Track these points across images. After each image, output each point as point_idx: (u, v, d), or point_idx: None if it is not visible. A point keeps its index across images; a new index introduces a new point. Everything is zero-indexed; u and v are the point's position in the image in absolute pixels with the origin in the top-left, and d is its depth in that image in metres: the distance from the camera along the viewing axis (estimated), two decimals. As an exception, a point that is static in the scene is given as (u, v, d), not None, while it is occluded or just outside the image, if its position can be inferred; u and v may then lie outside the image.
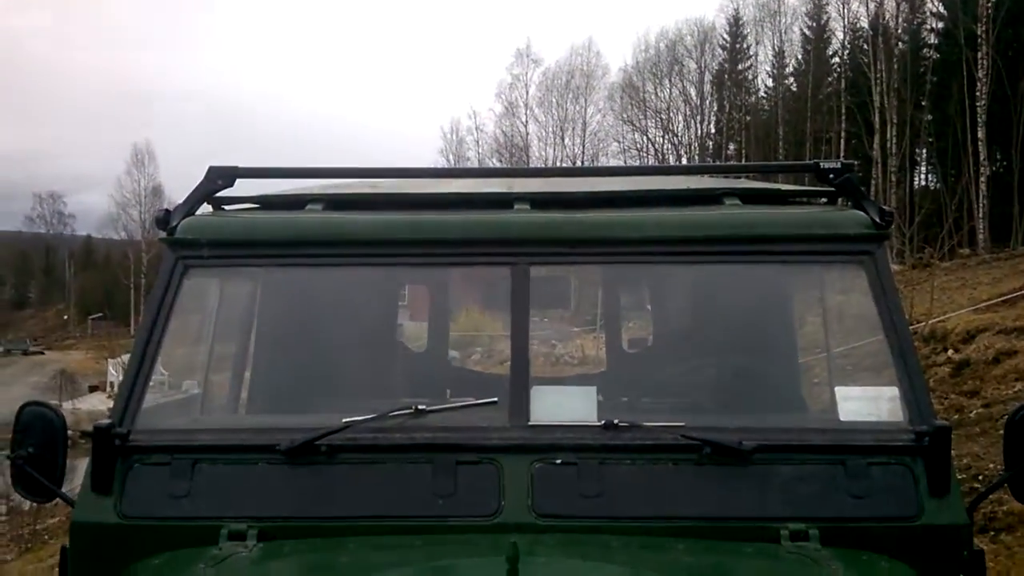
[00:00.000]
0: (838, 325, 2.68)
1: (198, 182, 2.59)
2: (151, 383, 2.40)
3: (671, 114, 55.19)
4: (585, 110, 57.43)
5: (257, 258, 2.60)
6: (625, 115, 55.87)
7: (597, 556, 2.06)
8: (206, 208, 2.68)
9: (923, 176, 44.95)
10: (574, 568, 2.01)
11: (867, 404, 2.38)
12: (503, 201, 2.67)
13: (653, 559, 2.07)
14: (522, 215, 2.59)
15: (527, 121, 58.23)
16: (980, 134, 30.69)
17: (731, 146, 52.11)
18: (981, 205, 31.14)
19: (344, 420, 2.27)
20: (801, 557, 2.10)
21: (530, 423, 2.31)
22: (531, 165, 55.53)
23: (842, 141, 40.55)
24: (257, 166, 2.70)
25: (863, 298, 2.47)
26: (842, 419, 2.36)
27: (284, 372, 2.81)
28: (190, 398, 2.96)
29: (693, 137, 55.13)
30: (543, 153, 57.87)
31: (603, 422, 2.30)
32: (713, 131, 55.19)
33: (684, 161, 45.23)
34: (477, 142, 59.56)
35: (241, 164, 2.64)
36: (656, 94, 55.25)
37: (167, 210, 2.57)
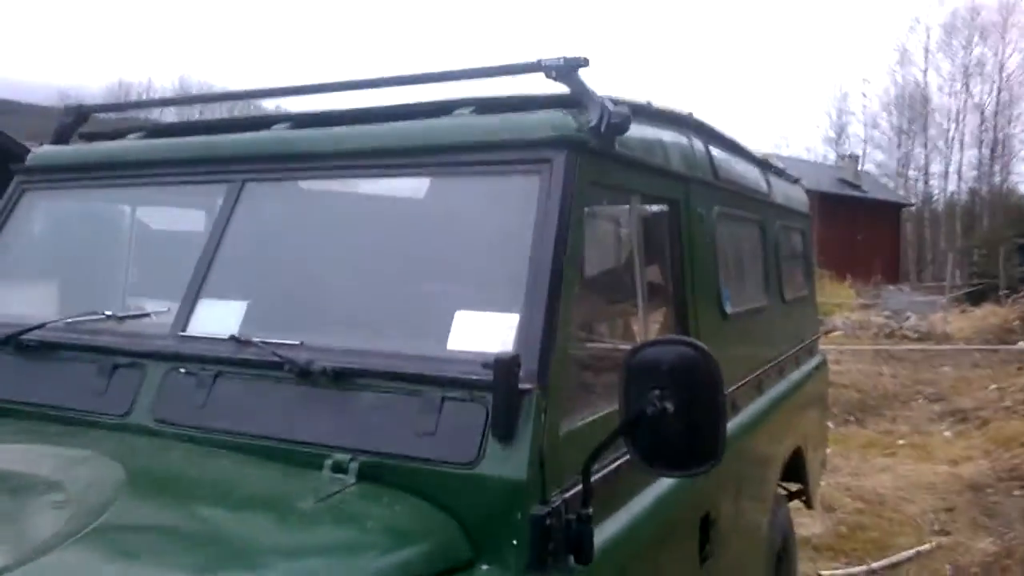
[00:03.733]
0: (498, 241, 2.28)
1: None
2: None
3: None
4: (1002, 50, 50.63)
5: (73, 181, 3.01)
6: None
7: (139, 459, 2.10)
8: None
9: None
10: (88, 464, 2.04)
11: (481, 331, 2.06)
12: (267, 122, 2.76)
13: (174, 467, 2.12)
14: (234, 136, 2.70)
15: (926, 69, 53.13)
16: None
17: None
18: None
19: (45, 322, 2.56)
20: (325, 486, 1.93)
21: (183, 333, 2.37)
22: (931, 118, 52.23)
23: None
24: (106, 103, 3.14)
25: (526, 212, 2.14)
26: (448, 347, 2.07)
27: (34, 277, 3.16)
28: None
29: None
30: (945, 102, 52.83)
31: (229, 336, 2.29)
32: None
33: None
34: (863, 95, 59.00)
35: None
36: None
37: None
